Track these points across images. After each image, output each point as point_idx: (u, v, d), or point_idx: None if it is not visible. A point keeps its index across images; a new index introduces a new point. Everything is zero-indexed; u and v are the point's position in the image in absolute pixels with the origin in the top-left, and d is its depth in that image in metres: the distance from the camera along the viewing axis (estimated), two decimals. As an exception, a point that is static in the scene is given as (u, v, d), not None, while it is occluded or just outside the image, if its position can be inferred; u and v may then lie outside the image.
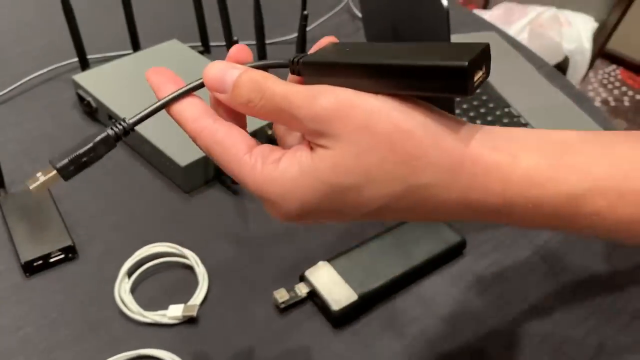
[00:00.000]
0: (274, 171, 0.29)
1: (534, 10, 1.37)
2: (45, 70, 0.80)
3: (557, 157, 0.27)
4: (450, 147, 0.27)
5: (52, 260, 0.54)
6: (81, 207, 0.61)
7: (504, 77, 0.83)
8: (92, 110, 0.71)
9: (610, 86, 2.34)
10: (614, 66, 2.45)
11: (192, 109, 0.31)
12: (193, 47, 0.81)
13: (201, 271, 0.53)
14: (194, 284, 0.53)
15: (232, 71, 0.30)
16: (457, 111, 0.77)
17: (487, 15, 1.43)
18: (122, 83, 0.72)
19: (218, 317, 0.51)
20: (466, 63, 0.25)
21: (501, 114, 0.75)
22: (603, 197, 0.26)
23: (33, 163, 0.66)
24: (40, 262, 0.53)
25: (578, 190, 0.26)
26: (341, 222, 0.30)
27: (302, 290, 0.51)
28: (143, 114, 0.31)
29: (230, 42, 0.78)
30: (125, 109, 0.67)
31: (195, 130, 0.30)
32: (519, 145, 0.27)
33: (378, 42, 0.31)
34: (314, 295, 0.51)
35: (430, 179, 0.27)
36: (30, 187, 0.31)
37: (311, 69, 0.30)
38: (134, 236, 0.57)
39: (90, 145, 0.30)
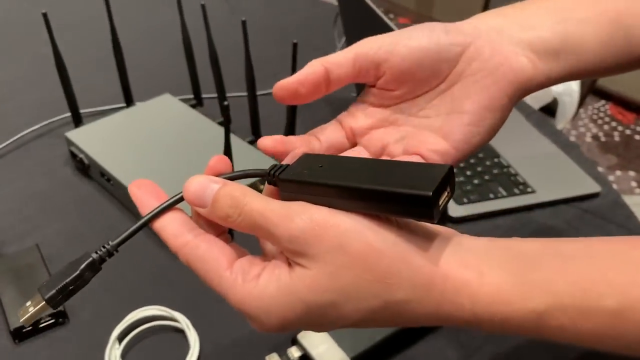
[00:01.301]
0: (254, 288, 0.29)
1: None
2: (38, 125, 0.80)
3: (520, 273, 0.28)
4: (421, 265, 0.28)
5: (42, 325, 0.53)
6: (72, 268, 0.60)
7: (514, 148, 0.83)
8: (85, 167, 0.71)
9: (600, 121, 2.38)
10: (603, 101, 2.48)
11: (173, 225, 0.32)
12: (185, 100, 0.82)
13: (192, 335, 0.53)
14: (185, 348, 0.53)
15: (212, 186, 0.31)
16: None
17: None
18: (115, 140, 0.72)
19: (209, 383, 0.50)
20: (430, 193, 0.27)
21: (491, 165, 0.76)
22: (564, 314, 0.27)
23: (24, 222, 0.66)
24: (30, 328, 0.53)
25: (541, 307, 0.27)
26: (322, 331, 0.31)
27: (294, 354, 0.51)
28: (125, 234, 0.32)
29: (222, 95, 0.79)
30: (118, 166, 0.68)
31: (177, 246, 0.31)
32: (486, 261, 0.29)
33: (351, 157, 0.33)
34: (306, 358, 0.51)
35: (403, 296, 0.28)
36: (21, 320, 0.32)
37: (287, 185, 0.31)
38: (124, 298, 0.57)
39: (77, 273, 0.31)
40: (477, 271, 0.28)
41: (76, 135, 0.72)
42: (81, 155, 0.71)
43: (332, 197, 0.29)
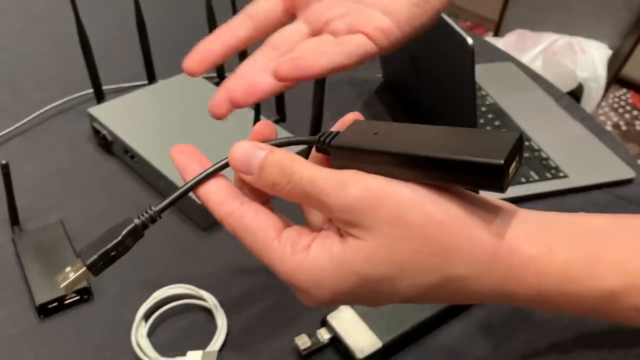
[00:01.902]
0: (304, 259, 0.28)
1: (548, 38, 1.36)
2: (60, 102, 0.79)
3: (592, 250, 0.26)
4: (484, 239, 0.26)
5: (67, 302, 0.53)
6: (96, 245, 0.59)
7: (523, 109, 0.82)
8: (108, 144, 0.70)
9: (621, 110, 2.33)
10: (624, 90, 2.44)
11: (218, 192, 0.30)
12: (208, 79, 0.80)
13: (220, 314, 0.52)
14: (213, 327, 0.52)
15: (258, 152, 0.30)
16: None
17: (500, 42, 1.43)
18: (138, 116, 0.71)
19: (237, 363, 0.49)
20: (502, 161, 0.25)
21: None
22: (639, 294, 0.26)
23: (47, 199, 0.65)
24: (56, 304, 0.52)
25: (615, 287, 0.26)
26: (374, 306, 0.30)
27: (324, 336, 0.49)
28: (169, 200, 0.31)
29: (246, 74, 0.77)
30: (141, 142, 0.66)
31: (222, 214, 0.30)
32: (554, 236, 0.27)
33: (406, 124, 0.31)
34: (336, 340, 0.50)
35: (464, 271, 0.27)
36: (61, 286, 0.31)
37: (339, 152, 0.30)
38: (150, 276, 0.56)
39: (119, 239, 0.30)
40: (545, 246, 0.26)
41: (99, 111, 0.71)
42: (104, 132, 0.69)
43: (390, 165, 0.27)
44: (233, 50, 0.38)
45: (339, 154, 0.30)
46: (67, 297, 0.52)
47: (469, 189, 0.27)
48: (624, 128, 2.24)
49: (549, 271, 0.26)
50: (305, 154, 0.31)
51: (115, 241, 0.30)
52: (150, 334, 0.51)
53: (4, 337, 0.50)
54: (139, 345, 0.49)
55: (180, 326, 0.52)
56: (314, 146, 0.31)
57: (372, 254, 0.27)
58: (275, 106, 0.74)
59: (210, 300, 0.53)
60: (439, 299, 0.28)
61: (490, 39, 1.44)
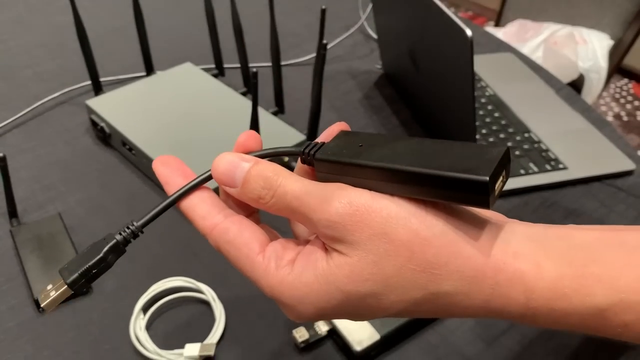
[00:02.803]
0: (288, 275, 0.28)
1: (549, 28, 1.35)
2: (58, 93, 0.79)
3: (581, 265, 0.26)
4: (471, 255, 0.26)
5: (65, 294, 0.52)
6: (94, 237, 0.58)
7: (523, 100, 0.81)
8: (106, 136, 0.70)
9: (622, 100, 2.33)
10: (626, 80, 2.43)
11: (201, 205, 0.30)
12: (207, 70, 0.80)
13: (218, 307, 0.52)
14: (211, 320, 0.52)
15: (242, 165, 0.29)
16: (477, 136, 0.75)
17: (500, 32, 1.42)
18: (136, 108, 0.71)
19: (236, 356, 0.49)
20: (487, 178, 0.24)
21: (521, 140, 0.74)
22: (630, 311, 0.25)
23: (46, 191, 0.65)
24: (54, 297, 0.52)
25: (604, 304, 0.25)
26: (360, 320, 0.30)
27: (322, 328, 0.49)
28: (150, 214, 0.31)
29: (245, 64, 0.77)
30: (139, 135, 0.66)
31: (205, 228, 0.30)
32: (543, 252, 0.26)
33: (391, 135, 0.30)
34: (334, 333, 0.50)
35: (450, 288, 0.26)
36: (42, 305, 0.30)
37: (324, 165, 0.29)
38: (148, 269, 0.56)
39: (100, 255, 0.30)
40: (533, 262, 0.26)
41: (97, 103, 0.71)
42: (102, 124, 0.69)
43: (375, 179, 0.27)
44: None
45: (324, 167, 0.29)
46: (66, 290, 0.52)
47: (456, 203, 0.26)
48: (625, 119, 2.23)
49: (537, 288, 0.26)
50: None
51: (97, 258, 0.30)
52: (149, 327, 0.51)
53: (3, 329, 0.50)
54: (137, 338, 0.49)
55: (178, 319, 0.52)
56: (299, 157, 0.31)
57: (357, 271, 0.26)
58: (274, 98, 0.74)
59: (208, 293, 0.53)
60: (425, 313, 0.28)
61: (490, 29, 1.43)
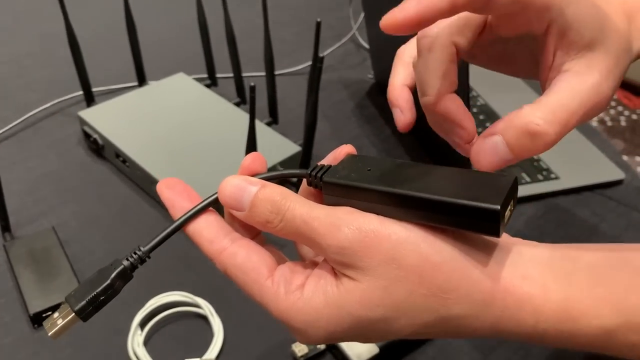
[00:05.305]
0: (298, 300, 0.28)
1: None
2: (49, 104, 0.78)
3: (588, 287, 0.26)
4: (480, 280, 0.26)
5: (61, 310, 0.52)
6: (89, 251, 0.59)
7: (514, 109, 0.82)
8: (99, 148, 0.69)
9: (606, 106, 2.35)
10: (609, 86, 2.46)
11: (208, 229, 0.30)
12: (199, 80, 0.80)
13: (216, 322, 0.52)
14: (209, 335, 0.51)
15: (249, 188, 0.29)
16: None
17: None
18: (129, 119, 0.70)
19: (235, 371, 0.49)
20: (499, 206, 0.25)
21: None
22: (636, 332, 0.26)
23: (39, 204, 0.64)
24: (50, 313, 0.51)
25: (611, 325, 0.26)
26: (369, 342, 0.30)
27: (321, 342, 0.50)
28: (158, 239, 0.30)
29: (238, 75, 0.77)
30: (133, 146, 0.66)
31: (213, 252, 0.30)
32: (550, 274, 0.27)
33: (398, 160, 0.30)
34: (333, 347, 0.50)
35: (460, 311, 0.27)
36: (49, 334, 0.29)
37: (332, 188, 0.29)
38: (145, 283, 0.56)
39: (108, 282, 0.29)
40: (540, 285, 0.26)
41: (89, 114, 0.71)
42: (95, 136, 0.69)
43: (384, 204, 0.27)
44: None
45: (332, 190, 0.29)
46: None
47: (466, 230, 0.27)
48: (609, 124, 2.26)
49: (545, 310, 0.26)
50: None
51: (104, 285, 0.29)
52: (147, 342, 0.51)
53: (-2, 347, 0.50)
54: (135, 354, 0.49)
55: (176, 334, 0.52)
56: (305, 180, 0.31)
57: (367, 296, 0.27)
58: (268, 108, 0.74)
59: (206, 308, 0.53)
60: (435, 335, 0.28)
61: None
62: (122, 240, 0.61)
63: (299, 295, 0.28)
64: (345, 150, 0.32)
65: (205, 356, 0.49)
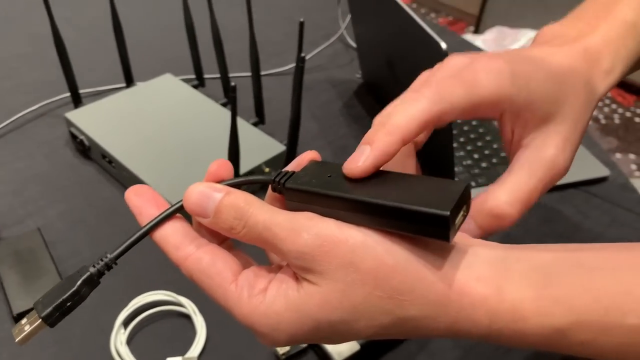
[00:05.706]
0: (260, 304, 0.28)
1: (526, 35, 1.37)
2: (36, 106, 0.79)
3: (540, 287, 0.27)
4: (434, 282, 0.27)
5: (45, 310, 0.52)
6: (74, 252, 0.59)
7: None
8: (85, 149, 0.70)
9: (600, 103, 2.36)
10: (603, 84, 2.46)
11: (174, 235, 0.30)
12: (187, 81, 0.80)
13: (199, 320, 0.52)
14: (192, 333, 0.52)
15: (214, 195, 0.30)
16: (455, 144, 0.76)
17: (479, 40, 1.44)
18: (116, 120, 0.71)
19: (217, 369, 0.50)
20: (448, 212, 0.25)
21: (498, 147, 0.75)
22: (587, 331, 0.26)
23: (25, 205, 0.64)
24: (33, 313, 0.52)
25: (562, 324, 0.26)
26: (332, 344, 0.31)
27: (303, 340, 0.50)
28: (124, 246, 0.31)
29: (225, 75, 0.77)
30: (119, 147, 0.66)
31: (179, 258, 0.30)
32: (504, 275, 0.28)
33: None
34: (315, 345, 0.50)
35: (416, 313, 0.27)
36: (16, 340, 0.30)
37: (293, 194, 0.30)
38: (129, 282, 0.56)
39: (74, 288, 0.30)
40: (494, 286, 0.27)
41: (76, 116, 0.71)
42: (82, 137, 0.69)
43: (342, 209, 0.28)
44: None
45: (293, 196, 0.30)
46: (45, 306, 0.52)
47: (417, 235, 0.27)
48: (603, 122, 2.26)
49: (499, 311, 0.27)
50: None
51: (70, 291, 0.30)
52: (130, 341, 0.51)
53: (-18, 347, 0.50)
54: (118, 353, 0.49)
55: (159, 332, 0.52)
56: (270, 186, 0.32)
57: (327, 299, 0.27)
58: (254, 109, 0.75)
59: (189, 306, 0.53)
60: (395, 335, 0.29)
61: (469, 36, 1.45)
62: (107, 241, 0.61)
63: (262, 299, 0.28)
64: (309, 156, 0.32)
65: (188, 354, 0.50)
